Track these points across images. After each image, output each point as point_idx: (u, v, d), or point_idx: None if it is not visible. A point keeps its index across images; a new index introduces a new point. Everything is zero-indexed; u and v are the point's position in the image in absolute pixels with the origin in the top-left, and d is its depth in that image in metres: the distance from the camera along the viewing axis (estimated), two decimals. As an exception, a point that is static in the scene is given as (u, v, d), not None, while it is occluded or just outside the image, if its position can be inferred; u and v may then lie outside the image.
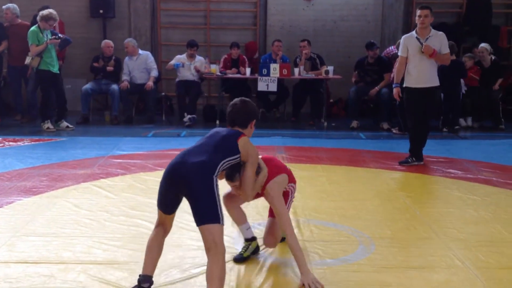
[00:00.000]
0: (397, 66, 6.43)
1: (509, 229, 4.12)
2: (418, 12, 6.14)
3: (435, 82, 6.20)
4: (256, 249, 3.61)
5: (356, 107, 9.08)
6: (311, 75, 9.14)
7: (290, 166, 5.86)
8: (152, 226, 4.01)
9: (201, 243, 3.67)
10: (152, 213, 4.34)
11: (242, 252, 3.55)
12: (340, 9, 10.53)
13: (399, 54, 6.40)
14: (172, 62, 9.24)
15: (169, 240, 3.72)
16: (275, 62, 9.13)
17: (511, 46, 10.58)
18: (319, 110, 9.25)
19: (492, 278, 3.27)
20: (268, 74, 8.79)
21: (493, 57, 8.98)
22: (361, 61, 9.19)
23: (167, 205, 3.04)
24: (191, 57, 9.21)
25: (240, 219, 3.62)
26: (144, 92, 9.15)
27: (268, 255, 3.62)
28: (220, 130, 3.24)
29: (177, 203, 3.05)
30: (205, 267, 2.97)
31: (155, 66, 9.32)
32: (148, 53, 9.47)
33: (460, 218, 4.37)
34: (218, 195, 2.84)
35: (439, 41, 6.14)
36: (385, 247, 3.74)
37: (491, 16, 10.23)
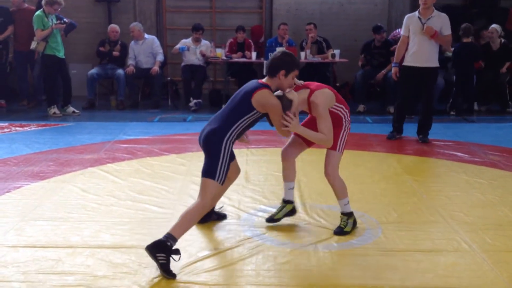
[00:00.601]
0: (398, 44, 6.48)
1: (516, 212, 4.11)
2: None
3: (434, 62, 6.25)
4: (290, 212, 3.80)
5: (362, 91, 9.03)
6: (318, 58, 9.08)
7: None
8: (159, 210, 4.08)
9: (207, 227, 3.71)
10: (159, 197, 4.38)
11: (274, 214, 3.76)
12: (347, -8, 10.43)
13: (401, 33, 6.42)
14: (178, 46, 9.20)
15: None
16: (281, 46, 9.07)
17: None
18: (325, 94, 9.19)
19: (499, 261, 3.27)
20: (274, 58, 8.72)
21: (502, 40, 8.88)
22: (368, 44, 9.12)
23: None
24: (197, 41, 9.17)
25: (288, 176, 3.77)
26: (150, 77, 9.13)
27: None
28: (243, 88, 3.44)
29: None
30: (210, 251, 3.18)
31: (161, 51, 9.29)
32: (154, 37, 9.43)
33: (467, 202, 4.36)
34: (225, 157, 3.27)
35: (441, 22, 6.17)
36: (392, 231, 3.74)
37: (500, -3, 10.12)
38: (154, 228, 3.71)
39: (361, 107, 8.85)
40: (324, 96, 3.49)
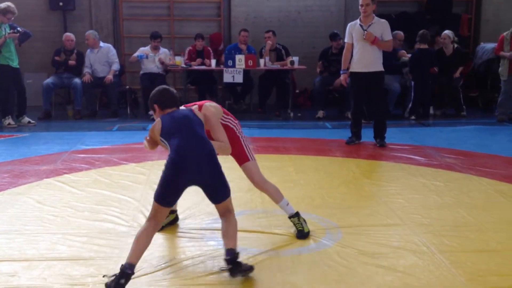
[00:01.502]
0: (344, 52, 6.65)
1: (472, 213, 4.21)
2: (360, 1, 6.43)
3: (378, 67, 6.49)
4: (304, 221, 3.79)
5: (321, 97, 9.15)
6: (277, 66, 9.14)
7: (258, 156, 5.89)
8: (118, 221, 4.01)
9: (168, 236, 3.67)
10: (118, 207, 4.30)
11: (301, 229, 3.72)
12: (304, 0, 10.55)
13: (345, 40, 6.62)
14: (136, 54, 9.10)
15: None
16: (240, 52, 9.10)
17: (471, 34, 10.79)
18: (285, 100, 9.27)
19: (456, 262, 3.34)
20: (233, 66, 8.75)
21: (455, 45, 9.14)
22: (325, 51, 9.26)
23: (176, 198, 3.19)
24: (155, 49, 9.09)
25: (276, 198, 3.76)
26: (107, 86, 9.00)
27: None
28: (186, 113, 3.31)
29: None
30: (171, 261, 3.08)
31: (117, 60, 9.17)
32: (110, 45, 9.31)
33: (425, 204, 4.44)
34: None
35: (381, 28, 6.45)
36: (351, 234, 3.77)
37: (452, 4, 10.42)
38: (113, 239, 3.65)
39: (320, 113, 8.95)
40: (213, 108, 3.47)
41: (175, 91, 3.44)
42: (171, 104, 3.30)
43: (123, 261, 2.96)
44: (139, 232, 3.06)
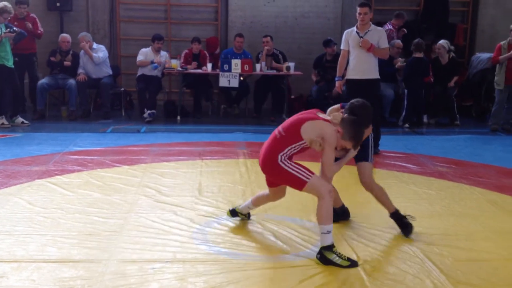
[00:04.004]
0: (339, 59, 6.66)
1: (463, 222, 4.23)
2: (358, 9, 6.46)
3: (373, 74, 6.48)
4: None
5: (319, 105, 9.12)
6: (273, 71, 9.15)
7: (251, 161, 5.93)
8: (109, 223, 4.00)
9: (158, 240, 3.66)
10: (109, 210, 4.29)
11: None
12: (301, 6, 10.58)
13: (341, 47, 6.62)
14: (141, 57, 9.04)
15: (128, 238, 3.71)
16: (236, 57, 9.10)
17: (467, 43, 10.84)
18: (280, 106, 9.27)
19: (446, 270, 3.35)
20: (229, 70, 8.76)
21: (452, 54, 9.17)
22: (320, 58, 9.26)
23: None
24: (157, 51, 9.08)
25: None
26: (101, 87, 8.98)
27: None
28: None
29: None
30: (161, 264, 3.08)
31: (102, 55, 9.03)
32: (102, 46, 9.27)
33: (416, 212, 4.41)
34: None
35: (378, 36, 6.47)
36: (344, 241, 3.77)
37: (448, 13, 10.46)
38: (103, 242, 3.64)
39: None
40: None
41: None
42: None
43: (112, 263, 2.96)
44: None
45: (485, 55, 9.41)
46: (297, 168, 3.52)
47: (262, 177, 5.29)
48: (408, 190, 5.12)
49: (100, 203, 4.45)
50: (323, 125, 3.47)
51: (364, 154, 3.91)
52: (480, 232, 4.05)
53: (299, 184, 3.52)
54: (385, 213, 4.38)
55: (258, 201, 4.04)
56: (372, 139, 3.98)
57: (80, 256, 3.43)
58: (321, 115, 3.58)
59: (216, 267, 3.32)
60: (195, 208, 4.42)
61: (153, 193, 4.75)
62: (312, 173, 3.52)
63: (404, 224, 3.94)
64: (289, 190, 3.85)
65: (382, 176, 5.70)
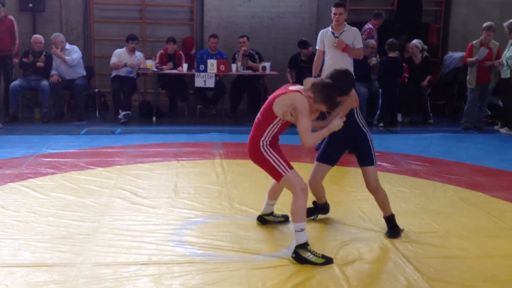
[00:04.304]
0: (315, 59, 6.70)
1: (436, 220, 4.28)
2: (333, 10, 6.53)
3: None
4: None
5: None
6: (249, 71, 9.15)
7: (227, 162, 5.93)
8: (83, 226, 3.95)
9: (134, 243, 3.62)
10: (83, 213, 4.24)
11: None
12: (277, 6, 10.60)
13: (316, 47, 6.66)
14: (114, 60, 8.95)
15: (102, 241, 3.67)
16: (212, 58, 9.08)
17: (440, 43, 10.99)
18: (256, 106, 9.26)
19: (420, 268, 3.39)
20: (205, 70, 8.73)
21: (425, 54, 9.29)
22: (295, 58, 9.24)
23: None
24: (132, 51, 9.01)
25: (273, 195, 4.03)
26: (74, 88, 8.86)
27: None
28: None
29: None
30: (136, 266, 3.06)
31: (76, 56, 8.92)
32: (75, 47, 9.15)
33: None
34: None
35: (353, 36, 6.54)
36: (320, 239, 3.79)
37: (421, 13, 10.59)
38: (77, 245, 3.59)
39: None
40: None
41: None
42: None
43: (86, 267, 2.93)
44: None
45: (458, 54, 9.56)
46: (277, 159, 3.54)
47: (239, 177, 5.33)
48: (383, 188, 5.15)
49: (74, 206, 4.39)
50: (292, 95, 3.50)
51: (368, 158, 3.92)
52: (454, 229, 4.11)
53: (276, 175, 3.57)
54: (361, 212, 4.43)
55: (273, 193, 4.03)
56: (373, 143, 4.00)
57: (53, 260, 3.38)
58: (291, 87, 3.60)
59: (192, 269, 3.30)
60: (171, 209, 4.40)
61: (128, 195, 4.71)
62: (291, 167, 3.53)
63: (394, 227, 3.96)
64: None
65: (357, 175, 5.72)
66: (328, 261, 3.42)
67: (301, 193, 3.45)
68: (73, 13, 10.09)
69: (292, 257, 3.45)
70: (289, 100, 3.48)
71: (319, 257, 3.41)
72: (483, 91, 8.63)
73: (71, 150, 6.47)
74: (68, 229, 3.91)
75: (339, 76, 3.63)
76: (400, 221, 4.19)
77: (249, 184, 5.19)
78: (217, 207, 4.50)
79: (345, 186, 5.39)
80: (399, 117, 9.16)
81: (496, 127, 8.64)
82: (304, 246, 3.43)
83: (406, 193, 4.99)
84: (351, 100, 3.77)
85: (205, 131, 7.97)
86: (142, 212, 4.30)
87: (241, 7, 10.51)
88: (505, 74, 8.20)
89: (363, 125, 3.96)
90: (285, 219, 4.11)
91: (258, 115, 3.62)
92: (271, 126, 3.54)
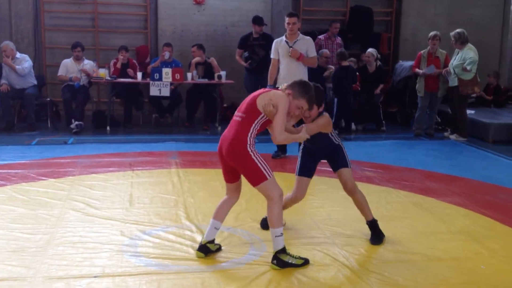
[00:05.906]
0: (270, 68, 6.77)
1: (389, 225, 4.37)
2: (287, 19, 6.61)
3: None
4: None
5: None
6: (205, 79, 9.13)
7: (184, 171, 5.89)
8: (34, 239, 3.85)
9: (87, 255, 3.55)
10: (35, 225, 4.13)
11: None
12: (231, 15, 10.64)
13: (271, 57, 6.73)
14: (61, 72, 8.79)
15: (54, 254, 3.57)
16: (167, 66, 9.02)
17: (391, 52, 11.27)
18: (213, 114, 9.27)
19: (374, 272, 3.45)
20: (160, 79, 8.67)
21: (378, 63, 9.50)
22: (246, 38, 8.95)
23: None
24: (77, 59, 8.85)
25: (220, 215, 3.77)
26: (25, 98, 8.63)
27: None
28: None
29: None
30: (90, 279, 2.95)
31: (26, 65, 8.69)
32: (26, 56, 8.92)
33: (346, 217, 4.57)
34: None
35: (306, 45, 6.65)
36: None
37: (373, 23, 10.84)
38: (28, 258, 3.49)
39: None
40: None
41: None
42: None
43: (38, 281, 2.85)
44: None
45: (408, 63, 9.81)
46: (263, 161, 3.53)
47: (195, 186, 5.30)
48: (337, 195, 5.22)
49: (25, 218, 4.27)
50: (276, 92, 3.62)
51: (343, 162, 4.04)
52: (406, 233, 4.21)
53: (258, 178, 3.48)
54: (316, 218, 4.48)
55: (221, 213, 3.74)
56: (345, 150, 4.12)
57: (3, 274, 3.28)
58: (273, 90, 3.70)
59: (146, 280, 3.27)
60: (126, 220, 4.33)
61: (81, 206, 4.62)
62: (272, 173, 3.54)
63: (377, 232, 4.03)
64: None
65: (312, 182, 5.79)
66: (306, 262, 3.53)
67: (278, 198, 3.49)
68: (23, 21, 9.84)
69: (273, 263, 3.48)
70: (272, 95, 3.56)
71: (297, 258, 3.52)
72: (433, 99, 8.89)
73: (21, 161, 6.29)
74: (18, 242, 3.80)
75: (313, 87, 3.77)
76: (354, 227, 4.28)
77: (206, 193, 5.18)
78: (173, 216, 4.46)
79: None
80: (353, 125, 9.32)
81: (446, 134, 8.90)
82: (283, 250, 3.50)
83: (360, 199, 5.07)
84: (323, 124, 3.89)
85: (161, 140, 7.90)
86: (96, 223, 4.23)
87: (196, 16, 10.50)
88: (452, 82, 8.47)
89: (337, 140, 4.11)
90: (219, 247, 3.82)
91: (240, 113, 3.56)
92: (256, 122, 3.52)
